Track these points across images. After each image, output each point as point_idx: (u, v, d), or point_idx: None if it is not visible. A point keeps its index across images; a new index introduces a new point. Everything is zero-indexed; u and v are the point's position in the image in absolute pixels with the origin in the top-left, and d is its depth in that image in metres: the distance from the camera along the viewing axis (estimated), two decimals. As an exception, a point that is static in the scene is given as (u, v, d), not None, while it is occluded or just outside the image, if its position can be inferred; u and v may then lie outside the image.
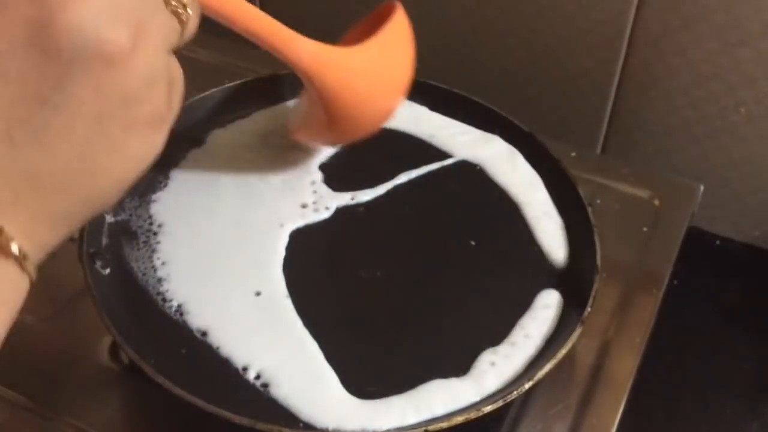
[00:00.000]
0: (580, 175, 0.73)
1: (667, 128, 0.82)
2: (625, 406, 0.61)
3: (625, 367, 0.63)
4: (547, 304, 0.60)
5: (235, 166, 0.70)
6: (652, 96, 0.80)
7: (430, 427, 0.52)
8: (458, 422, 0.52)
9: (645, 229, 0.72)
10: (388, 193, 0.68)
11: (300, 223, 0.65)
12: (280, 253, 0.63)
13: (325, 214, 0.66)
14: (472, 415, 0.52)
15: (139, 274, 0.61)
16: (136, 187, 0.66)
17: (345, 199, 0.67)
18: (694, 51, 0.76)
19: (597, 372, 0.63)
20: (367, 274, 0.62)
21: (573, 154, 0.77)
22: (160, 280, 0.61)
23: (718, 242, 0.84)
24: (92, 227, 0.62)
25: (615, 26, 0.78)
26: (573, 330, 0.56)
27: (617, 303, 0.67)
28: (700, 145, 0.81)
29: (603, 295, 0.67)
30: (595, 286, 0.59)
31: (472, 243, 0.65)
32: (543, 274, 0.63)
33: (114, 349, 0.65)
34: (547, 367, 0.54)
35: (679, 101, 0.79)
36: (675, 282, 0.70)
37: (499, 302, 0.61)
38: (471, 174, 0.70)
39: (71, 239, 0.58)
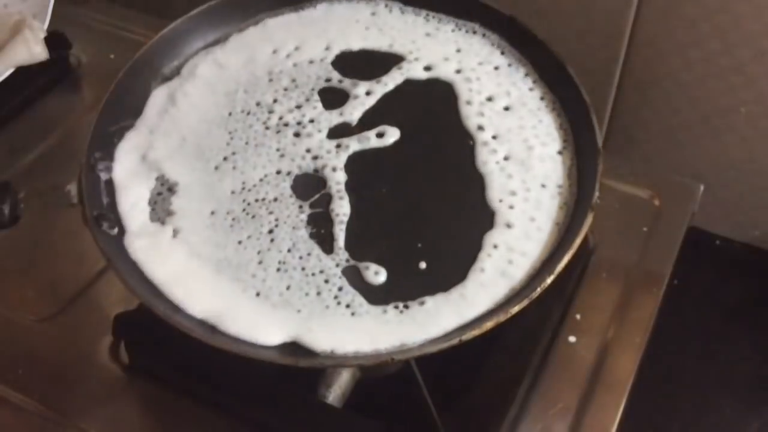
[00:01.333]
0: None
1: (667, 128, 0.82)
2: (625, 406, 0.61)
3: (625, 367, 0.63)
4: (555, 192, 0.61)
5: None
6: (652, 96, 0.80)
7: (464, 336, 0.52)
8: (489, 327, 0.52)
9: (645, 229, 0.72)
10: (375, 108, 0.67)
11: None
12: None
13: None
14: (501, 317, 0.52)
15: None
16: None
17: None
18: (694, 51, 0.76)
19: (597, 372, 0.63)
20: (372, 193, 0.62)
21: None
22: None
23: (718, 242, 0.84)
24: (90, 190, 0.60)
25: (615, 26, 0.78)
26: (584, 218, 0.56)
27: (617, 303, 0.67)
28: (700, 145, 0.81)
29: (603, 295, 0.68)
30: (599, 169, 0.59)
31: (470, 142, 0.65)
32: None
33: (114, 349, 0.65)
34: (566, 258, 0.54)
35: (679, 101, 0.79)
36: (675, 282, 0.70)
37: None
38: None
39: (71, 204, 0.59)
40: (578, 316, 0.66)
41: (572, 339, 0.65)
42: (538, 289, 0.53)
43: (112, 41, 0.94)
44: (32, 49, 0.84)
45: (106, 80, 0.89)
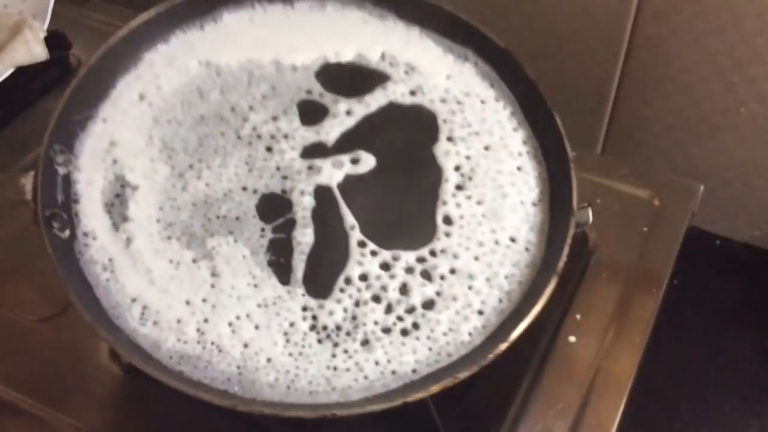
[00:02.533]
0: (579, 175, 0.73)
1: (667, 128, 0.82)
2: (625, 406, 0.61)
3: (625, 367, 0.63)
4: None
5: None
6: (652, 96, 0.80)
7: (409, 399, 0.52)
8: (435, 391, 0.52)
9: (645, 229, 0.72)
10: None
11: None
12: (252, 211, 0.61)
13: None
14: (449, 382, 0.52)
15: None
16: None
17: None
18: (694, 51, 0.76)
19: (597, 372, 0.63)
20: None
21: (573, 154, 0.77)
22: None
23: (718, 242, 0.84)
24: (45, 185, 0.58)
25: (615, 26, 0.78)
26: (546, 284, 0.56)
27: (617, 303, 0.67)
28: (700, 145, 0.81)
29: (603, 295, 0.68)
30: (570, 233, 0.58)
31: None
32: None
33: (114, 350, 0.65)
34: (523, 325, 0.54)
35: (679, 101, 0.79)
36: (675, 282, 0.70)
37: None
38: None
39: (24, 200, 0.57)
40: (578, 316, 0.66)
41: (572, 339, 0.65)
42: (490, 356, 0.53)
43: (112, 41, 0.94)
44: (32, 49, 0.84)
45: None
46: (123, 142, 0.62)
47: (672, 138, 0.82)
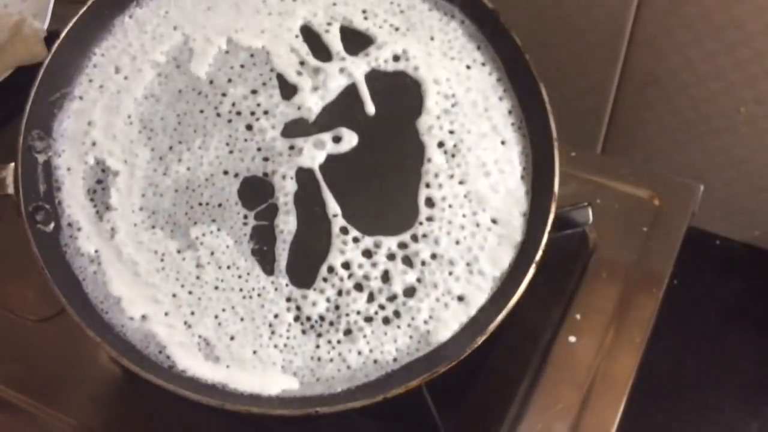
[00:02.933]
0: (580, 175, 0.73)
1: (667, 128, 0.82)
2: (625, 406, 0.61)
3: (625, 367, 0.63)
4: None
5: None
6: (652, 96, 0.80)
7: (389, 394, 0.53)
8: (414, 386, 0.53)
9: (645, 229, 0.72)
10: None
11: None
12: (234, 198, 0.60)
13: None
14: (428, 377, 0.53)
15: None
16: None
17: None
18: (694, 51, 0.76)
19: (597, 372, 0.63)
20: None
21: (573, 154, 0.77)
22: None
23: (718, 242, 0.84)
24: (26, 176, 0.57)
25: (615, 26, 0.78)
26: (525, 274, 0.56)
27: (617, 303, 0.67)
28: (700, 145, 0.81)
29: (603, 295, 0.68)
30: (551, 218, 0.58)
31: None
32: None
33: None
34: (499, 318, 0.55)
35: (679, 101, 0.79)
36: (675, 282, 0.70)
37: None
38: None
39: (6, 194, 0.56)
40: (578, 316, 0.66)
41: (572, 339, 0.65)
42: (467, 350, 0.53)
43: (112, 41, 0.94)
44: (32, 49, 0.84)
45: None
46: (101, 122, 0.61)
47: (672, 138, 0.82)
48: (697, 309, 0.77)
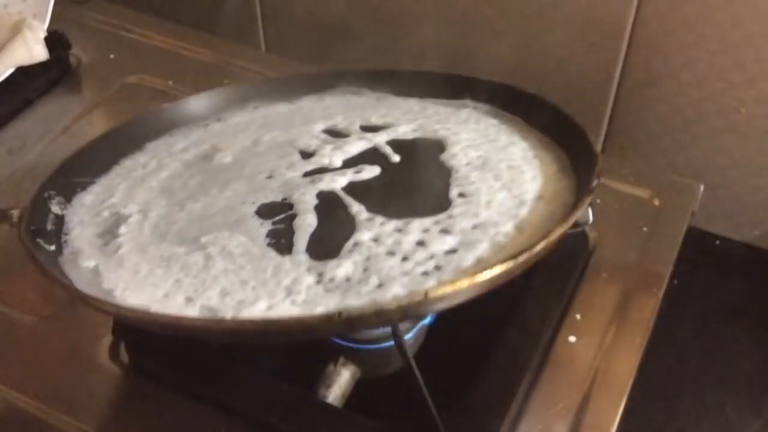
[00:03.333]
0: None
1: (667, 128, 0.82)
2: (625, 406, 0.61)
3: (625, 367, 0.63)
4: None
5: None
6: (652, 96, 0.80)
7: (431, 293, 0.46)
8: (463, 286, 0.46)
9: (645, 229, 0.72)
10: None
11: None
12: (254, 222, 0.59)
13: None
14: (477, 278, 0.46)
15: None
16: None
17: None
18: (694, 51, 0.76)
19: (597, 372, 0.63)
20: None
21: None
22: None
23: (718, 242, 0.84)
24: (34, 211, 0.59)
25: (615, 26, 0.78)
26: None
27: (617, 303, 0.67)
28: (700, 145, 0.81)
29: (603, 295, 0.68)
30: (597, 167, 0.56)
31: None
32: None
33: (114, 349, 0.65)
34: (559, 230, 0.50)
35: (679, 101, 0.79)
36: (675, 282, 0.70)
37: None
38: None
39: (11, 224, 0.57)
40: (578, 316, 0.66)
41: (572, 339, 0.65)
42: (525, 254, 0.48)
43: (112, 41, 0.95)
44: (32, 49, 0.84)
45: (106, 80, 0.90)
46: (121, 193, 0.64)
47: (672, 138, 0.82)
48: (697, 309, 0.77)
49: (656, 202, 0.75)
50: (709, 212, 0.82)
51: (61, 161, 0.65)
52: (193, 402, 0.61)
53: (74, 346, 0.65)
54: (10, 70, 0.84)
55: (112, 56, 0.93)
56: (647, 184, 0.76)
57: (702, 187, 0.76)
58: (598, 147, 0.86)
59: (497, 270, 0.47)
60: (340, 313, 0.45)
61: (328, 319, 0.46)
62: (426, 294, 0.45)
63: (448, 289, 0.46)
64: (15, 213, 0.58)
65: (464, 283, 0.46)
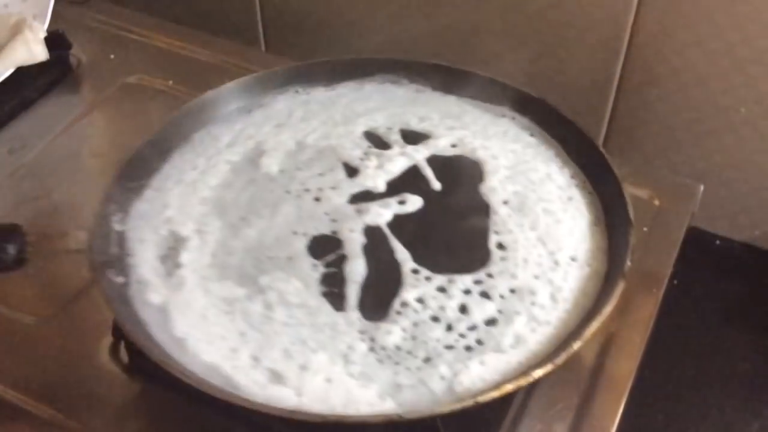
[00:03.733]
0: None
1: (667, 128, 0.82)
2: (625, 406, 0.61)
3: (625, 367, 0.63)
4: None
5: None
6: (652, 96, 0.80)
7: (480, 398, 0.51)
8: (509, 390, 0.52)
9: (645, 229, 0.72)
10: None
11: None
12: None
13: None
14: (523, 381, 0.52)
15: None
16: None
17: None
18: (694, 51, 0.76)
19: (597, 372, 0.63)
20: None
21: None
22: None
23: (718, 242, 0.84)
24: (100, 238, 0.60)
25: (615, 26, 0.78)
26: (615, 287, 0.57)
27: (617, 303, 0.67)
28: (700, 145, 0.81)
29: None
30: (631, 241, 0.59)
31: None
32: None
33: (114, 349, 0.65)
34: (595, 324, 0.54)
35: (679, 101, 0.79)
36: (675, 282, 0.70)
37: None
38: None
39: (78, 250, 0.59)
40: (578, 316, 0.66)
41: (572, 339, 0.65)
42: (563, 355, 0.53)
43: (112, 41, 0.95)
44: (32, 49, 0.84)
45: (106, 80, 0.90)
46: (175, 204, 0.65)
47: (672, 138, 0.82)
48: (697, 309, 0.77)
49: (656, 202, 0.75)
50: (709, 212, 0.82)
51: (116, 171, 0.65)
52: (193, 402, 0.61)
53: (74, 346, 0.65)
54: (10, 70, 0.84)
55: (112, 56, 0.93)
56: (647, 184, 0.75)
57: (702, 187, 0.76)
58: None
59: (538, 373, 0.53)
60: (399, 416, 0.51)
61: (389, 420, 0.51)
62: (476, 401, 0.51)
63: (495, 394, 0.52)
64: (81, 235, 0.59)
65: (509, 387, 0.52)
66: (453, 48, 0.87)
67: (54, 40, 0.87)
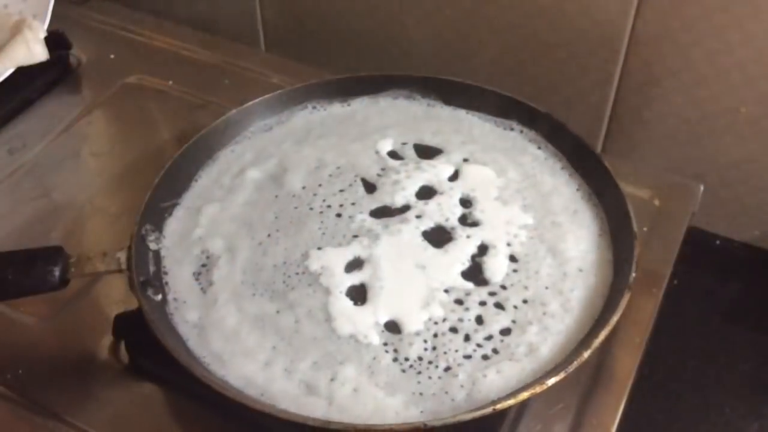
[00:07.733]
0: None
1: (667, 128, 0.82)
2: (625, 406, 0.61)
3: (625, 367, 0.63)
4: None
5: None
6: (652, 96, 0.80)
7: (498, 406, 0.54)
8: (524, 398, 0.54)
9: (645, 229, 0.72)
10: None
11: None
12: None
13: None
14: (537, 389, 0.54)
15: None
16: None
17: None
18: (694, 51, 0.76)
19: (597, 372, 0.63)
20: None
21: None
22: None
23: (718, 242, 0.84)
24: (138, 258, 0.62)
25: (615, 26, 0.78)
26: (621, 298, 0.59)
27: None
28: (700, 145, 0.81)
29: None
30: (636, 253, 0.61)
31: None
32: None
33: (114, 349, 0.65)
34: (603, 334, 0.56)
35: (679, 101, 0.79)
36: (675, 282, 0.70)
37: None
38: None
39: (119, 270, 0.61)
40: (578, 316, 0.66)
41: (572, 339, 0.65)
42: (575, 363, 0.55)
43: (112, 41, 0.95)
44: (32, 49, 0.84)
45: (106, 80, 0.90)
46: (205, 223, 0.68)
47: (672, 138, 0.82)
48: (697, 309, 0.77)
49: (656, 202, 0.75)
50: (709, 212, 0.82)
51: (150, 191, 0.66)
52: (192, 402, 0.61)
53: (74, 346, 0.65)
54: (10, 70, 0.84)
55: (112, 56, 0.93)
56: (647, 184, 0.76)
57: (702, 187, 0.76)
58: (598, 147, 0.86)
59: (552, 381, 0.55)
60: (425, 424, 0.53)
61: (414, 428, 0.54)
62: (495, 408, 0.54)
63: (512, 401, 0.54)
64: (122, 257, 0.61)
65: (524, 395, 0.55)
66: (453, 48, 0.87)
67: (54, 40, 0.88)
